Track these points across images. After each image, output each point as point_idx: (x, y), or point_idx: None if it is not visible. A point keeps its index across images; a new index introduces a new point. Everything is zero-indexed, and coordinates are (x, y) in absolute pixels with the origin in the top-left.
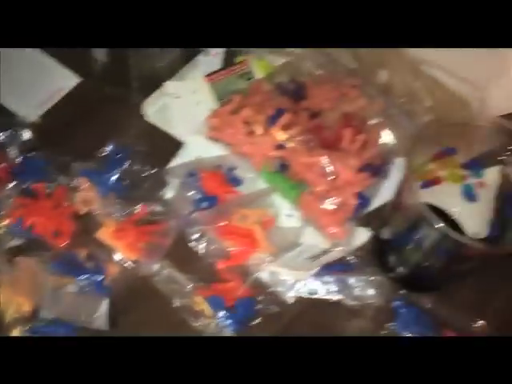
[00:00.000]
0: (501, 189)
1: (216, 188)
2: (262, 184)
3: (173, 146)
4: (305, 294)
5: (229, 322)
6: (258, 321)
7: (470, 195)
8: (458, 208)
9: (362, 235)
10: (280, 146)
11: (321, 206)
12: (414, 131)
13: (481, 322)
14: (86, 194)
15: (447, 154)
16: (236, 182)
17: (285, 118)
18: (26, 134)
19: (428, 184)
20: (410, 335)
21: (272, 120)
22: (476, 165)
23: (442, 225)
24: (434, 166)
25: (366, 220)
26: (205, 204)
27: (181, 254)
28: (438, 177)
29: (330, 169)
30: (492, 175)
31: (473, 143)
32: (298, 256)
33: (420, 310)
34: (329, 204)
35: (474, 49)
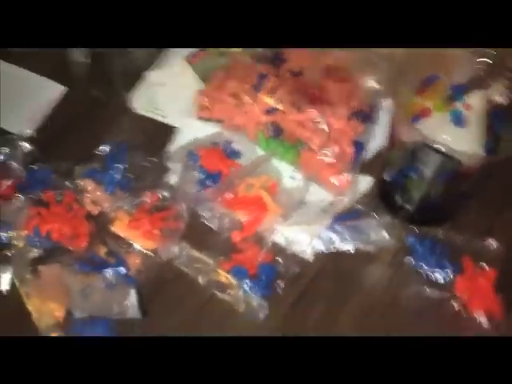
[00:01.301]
0: (487, 110)
1: (217, 164)
2: (260, 152)
3: (167, 132)
4: (322, 249)
5: (255, 289)
6: (281, 283)
7: (459, 120)
8: (450, 135)
9: (365, 182)
10: (270, 111)
11: (320, 161)
12: (394, 71)
13: (491, 239)
14: (94, 195)
15: (431, 83)
16: (235, 154)
17: (269, 82)
18: (26, 148)
19: (418, 118)
20: (427, 268)
21: (257, 86)
22: (460, 90)
23: (440, 146)
24: (420, 99)
25: (367, 167)
26: (209, 181)
27: (197, 234)
28: (425, 108)
29: (322, 122)
30: (476, 98)
31: (453, 70)
32: (308, 212)
33: (433, 241)
34: (327, 156)
35: None
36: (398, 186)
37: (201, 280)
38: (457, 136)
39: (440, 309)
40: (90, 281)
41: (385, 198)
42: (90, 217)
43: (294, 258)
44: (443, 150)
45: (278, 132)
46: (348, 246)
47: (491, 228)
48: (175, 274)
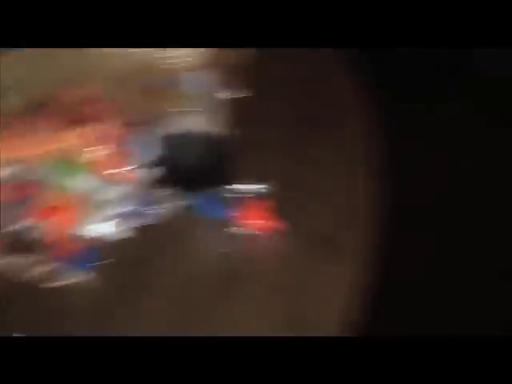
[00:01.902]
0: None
1: (17, 194)
2: (53, 173)
3: None
4: (127, 229)
5: (77, 271)
6: (98, 264)
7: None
8: (196, 120)
9: (141, 172)
10: (52, 140)
11: (106, 164)
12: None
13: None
14: None
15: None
16: (32, 183)
17: (44, 120)
18: None
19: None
20: (218, 217)
21: (37, 125)
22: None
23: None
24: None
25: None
26: (16, 209)
27: (17, 246)
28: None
29: (96, 134)
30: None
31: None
32: (106, 207)
33: (217, 196)
34: (108, 158)
35: None
36: (175, 166)
37: (34, 280)
38: (200, 119)
39: (238, 242)
40: None
41: (169, 177)
42: None
43: (105, 244)
44: (197, 129)
45: (60, 152)
46: (149, 222)
47: (262, 173)
48: (8, 283)
